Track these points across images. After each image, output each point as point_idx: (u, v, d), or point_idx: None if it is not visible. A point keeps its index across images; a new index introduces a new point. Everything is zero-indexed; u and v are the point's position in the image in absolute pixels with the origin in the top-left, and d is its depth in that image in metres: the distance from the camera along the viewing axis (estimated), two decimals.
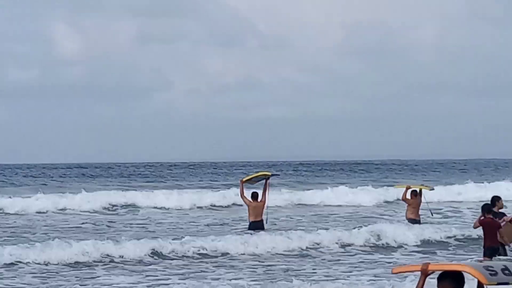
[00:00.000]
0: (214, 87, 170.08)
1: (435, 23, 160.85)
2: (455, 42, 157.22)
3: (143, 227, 27.78)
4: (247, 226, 25.19)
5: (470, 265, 7.86)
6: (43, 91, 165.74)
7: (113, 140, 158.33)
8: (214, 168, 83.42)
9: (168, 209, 34.28)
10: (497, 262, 8.46)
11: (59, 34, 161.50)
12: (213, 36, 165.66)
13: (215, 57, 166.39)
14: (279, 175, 27.80)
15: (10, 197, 34.29)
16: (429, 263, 8.00)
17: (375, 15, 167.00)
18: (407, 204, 26.06)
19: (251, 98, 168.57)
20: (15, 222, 29.21)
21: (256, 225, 24.74)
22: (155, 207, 34.43)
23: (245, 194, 25.17)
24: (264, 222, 24.96)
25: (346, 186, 41.39)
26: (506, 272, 7.77)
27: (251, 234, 23.44)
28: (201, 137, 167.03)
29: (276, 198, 32.55)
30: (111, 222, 29.15)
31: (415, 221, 25.49)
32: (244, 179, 26.08)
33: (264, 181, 25.55)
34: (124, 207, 34.37)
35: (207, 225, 28.46)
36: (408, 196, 25.86)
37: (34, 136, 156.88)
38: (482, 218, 18.75)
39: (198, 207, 34.77)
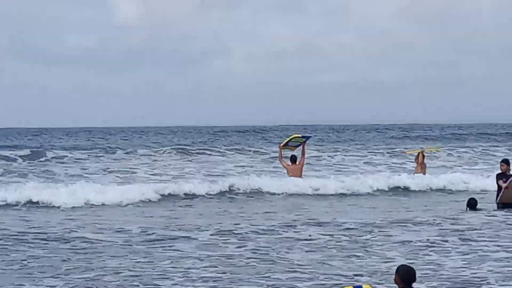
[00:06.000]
0: (272, 53, 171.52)
1: None
2: None
3: None
4: None
5: None
6: (102, 57, 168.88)
7: (170, 105, 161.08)
8: (268, 132, 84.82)
9: None
10: None
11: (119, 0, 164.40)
12: (272, 1, 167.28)
13: (274, 22, 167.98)
14: (311, 136, 29.47)
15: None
16: None
17: None
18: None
19: (309, 64, 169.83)
20: None
21: None
22: None
23: (283, 159, 27.54)
24: None
25: None
26: None
27: None
28: (259, 102, 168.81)
29: None
30: None
31: None
32: (282, 145, 28.04)
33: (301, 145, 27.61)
34: None
35: None
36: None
37: (92, 101, 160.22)
38: None
39: None
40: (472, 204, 20.90)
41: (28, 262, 14.50)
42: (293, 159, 27.29)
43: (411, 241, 16.44)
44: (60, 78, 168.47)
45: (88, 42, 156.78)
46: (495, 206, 21.06)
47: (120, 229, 18.03)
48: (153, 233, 17.45)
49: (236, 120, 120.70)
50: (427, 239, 16.64)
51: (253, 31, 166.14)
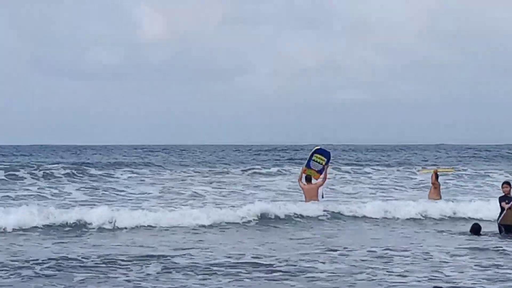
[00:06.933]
0: (294, 70, 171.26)
1: None
2: None
3: None
4: None
5: None
6: (127, 73, 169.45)
7: (194, 122, 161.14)
8: (294, 151, 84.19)
9: None
10: None
11: (143, 16, 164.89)
12: (295, 19, 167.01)
13: (297, 40, 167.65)
14: (330, 156, 27.64)
15: None
16: None
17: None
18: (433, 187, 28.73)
19: (332, 81, 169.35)
20: None
21: None
22: None
23: (302, 180, 27.11)
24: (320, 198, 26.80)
25: None
26: None
27: None
28: (281, 119, 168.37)
29: None
30: None
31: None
32: (304, 167, 27.42)
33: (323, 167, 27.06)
34: None
35: None
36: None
37: (117, 117, 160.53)
38: None
39: None
40: (476, 229, 21.19)
41: None
42: (309, 178, 27.00)
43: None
44: (83, 93, 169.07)
45: (112, 58, 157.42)
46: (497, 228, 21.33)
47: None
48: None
49: (259, 138, 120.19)
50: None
51: (276, 48, 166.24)
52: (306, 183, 26.95)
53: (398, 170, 43.76)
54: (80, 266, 15.44)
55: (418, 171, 38.58)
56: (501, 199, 21.13)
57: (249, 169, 44.43)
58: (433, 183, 28.66)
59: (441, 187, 29.36)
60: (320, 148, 27.69)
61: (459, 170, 40.36)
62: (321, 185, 26.83)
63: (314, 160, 27.09)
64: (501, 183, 22.45)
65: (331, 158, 28.08)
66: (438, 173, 29.28)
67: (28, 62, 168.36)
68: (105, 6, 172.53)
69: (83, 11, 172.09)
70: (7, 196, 30.73)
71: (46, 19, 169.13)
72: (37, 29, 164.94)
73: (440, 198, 28.63)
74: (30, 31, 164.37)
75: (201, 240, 19.88)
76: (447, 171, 35.22)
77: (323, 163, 26.98)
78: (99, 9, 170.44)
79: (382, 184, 38.14)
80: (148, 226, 22.42)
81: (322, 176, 26.86)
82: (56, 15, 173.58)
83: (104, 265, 15.52)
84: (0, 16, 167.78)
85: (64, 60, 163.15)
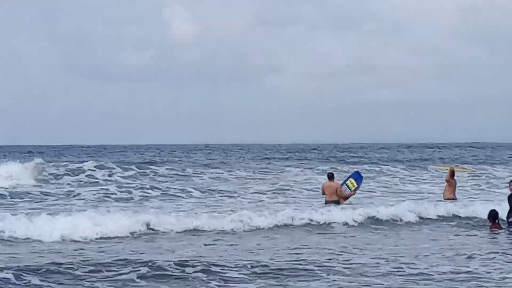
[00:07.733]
0: (327, 71, 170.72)
1: None
2: None
3: None
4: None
5: None
6: (158, 74, 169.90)
7: (225, 122, 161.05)
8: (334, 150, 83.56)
9: None
10: None
11: (175, 17, 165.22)
12: (327, 19, 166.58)
13: (329, 40, 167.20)
14: (362, 180, 27.65)
15: None
16: None
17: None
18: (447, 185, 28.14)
19: (364, 82, 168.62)
20: None
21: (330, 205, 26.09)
22: None
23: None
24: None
25: None
26: None
27: None
28: (313, 120, 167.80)
29: None
30: None
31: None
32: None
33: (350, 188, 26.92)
34: None
35: None
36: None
37: (148, 118, 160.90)
38: None
39: None
40: (493, 215, 21.21)
41: None
42: (330, 175, 26.82)
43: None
44: (114, 94, 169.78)
45: (143, 59, 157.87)
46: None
47: None
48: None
49: (289, 138, 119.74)
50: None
51: (308, 48, 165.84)
52: (328, 180, 26.66)
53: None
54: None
55: (434, 164, 38.19)
56: (510, 198, 21.22)
57: (300, 167, 45.19)
58: (447, 181, 28.08)
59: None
60: (357, 172, 28.09)
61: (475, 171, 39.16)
62: (345, 197, 26.58)
63: (346, 184, 27.02)
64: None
65: (362, 183, 27.88)
66: (454, 171, 28.76)
67: (58, 63, 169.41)
68: (135, 7, 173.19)
69: (115, 13, 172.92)
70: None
71: (76, 21, 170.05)
72: (67, 31, 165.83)
73: (455, 197, 27.79)
74: (60, 33, 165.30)
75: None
76: (463, 171, 34.74)
77: (352, 189, 26.90)
78: (130, 10, 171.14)
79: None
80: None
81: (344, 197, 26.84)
82: (88, 17, 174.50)
83: None
84: (34, 19, 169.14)
85: (94, 61, 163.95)
